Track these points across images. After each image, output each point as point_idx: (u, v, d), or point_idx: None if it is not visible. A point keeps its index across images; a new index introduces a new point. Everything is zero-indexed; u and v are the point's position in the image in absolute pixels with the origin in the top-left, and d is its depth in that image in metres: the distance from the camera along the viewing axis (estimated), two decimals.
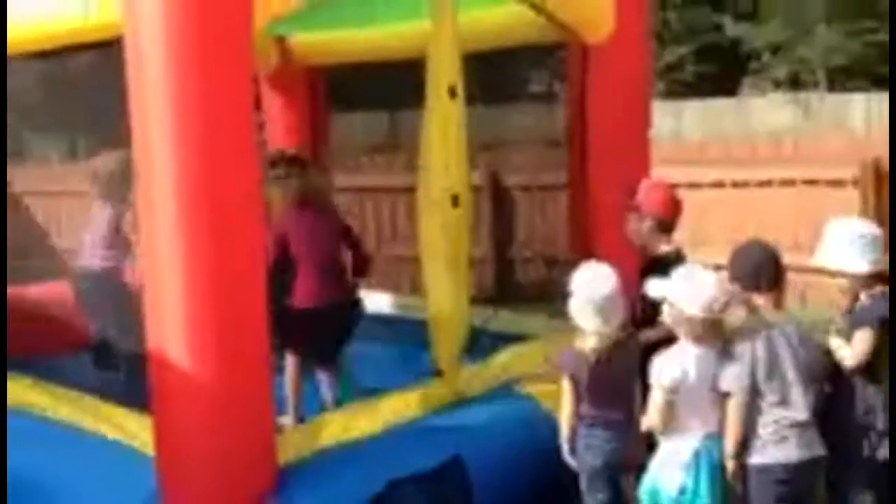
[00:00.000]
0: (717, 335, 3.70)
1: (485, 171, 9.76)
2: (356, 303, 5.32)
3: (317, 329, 5.04)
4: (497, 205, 9.84)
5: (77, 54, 8.24)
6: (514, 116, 12.65)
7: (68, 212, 11.41)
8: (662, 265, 4.19)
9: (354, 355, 5.42)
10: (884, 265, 3.91)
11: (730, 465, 3.69)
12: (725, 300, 3.69)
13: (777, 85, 16.35)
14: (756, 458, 3.68)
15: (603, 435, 3.95)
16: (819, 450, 3.71)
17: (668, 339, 3.87)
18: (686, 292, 3.68)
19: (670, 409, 3.68)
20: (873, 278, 3.89)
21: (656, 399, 3.69)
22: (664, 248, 4.60)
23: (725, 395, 3.67)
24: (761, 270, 3.83)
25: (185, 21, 3.54)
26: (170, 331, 3.69)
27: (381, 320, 6.16)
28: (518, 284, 9.62)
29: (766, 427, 3.68)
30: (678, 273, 3.80)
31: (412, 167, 6.57)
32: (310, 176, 5.31)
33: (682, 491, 3.65)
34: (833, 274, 4.01)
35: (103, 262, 5.40)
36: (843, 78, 15.81)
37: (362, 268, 5.41)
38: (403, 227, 9.96)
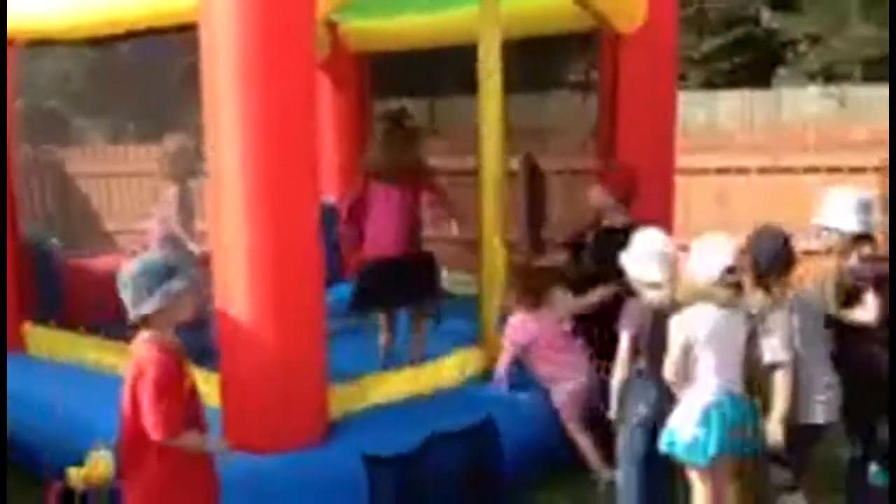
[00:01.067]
0: (734, 298, 3.99)
1: (521, 157, 9.99)
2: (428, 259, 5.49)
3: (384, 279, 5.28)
4: (532, 189, 10.08)
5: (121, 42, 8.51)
6: (550, 104, 12.87)
7: (115, 192, 11.88)
8: (622, 234, 4.58)
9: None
10: (871, 227, 4.29)
11: (779, 428, 3.99)
12: (734, 265, 3.98)
13: (811, 76, 16.41)
14: (807, 419, 4.10)
15: (655, 387, 4.16)
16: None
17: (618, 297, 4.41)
18: (702, 261, 4.01)
19: (685, 364, 3.98)
20: (864, 238, 4.27)
21: (672, 354, 3.99)
22: (623, 219, 5.18)
23: (772, 367, 4.02)
24: (778, 255, 4.14)
25: (255, 13, 3.92)
26: (234, 293, 4.11)
27: None
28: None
29: (817, 391, 4.09)
30: (694, 244, 4.10)
31: (453, 152, 6.97)
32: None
33: (694, 442, 3.93)
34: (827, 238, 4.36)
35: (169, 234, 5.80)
36: (878, 69, 15.85)
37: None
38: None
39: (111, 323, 5.58)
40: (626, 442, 4.26)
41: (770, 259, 4.14)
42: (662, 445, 4.05)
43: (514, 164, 9.01)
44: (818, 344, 4.18)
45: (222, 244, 4.14)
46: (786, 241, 4.19)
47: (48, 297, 5.82)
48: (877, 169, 8.23)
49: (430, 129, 13.25)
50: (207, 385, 4.44)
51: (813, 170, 8.55)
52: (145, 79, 11.15)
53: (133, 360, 3.42)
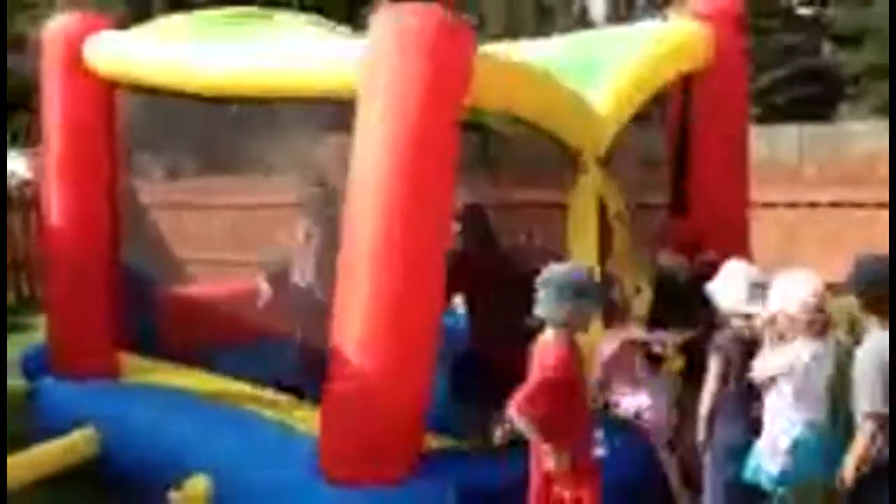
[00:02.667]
0: (818, 331, 4.08)
1: None
2: None
3: None
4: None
5: None
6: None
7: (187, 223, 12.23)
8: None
9: None
10: None
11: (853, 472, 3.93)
12: (819, 301, 4.07)
13: (874, 111, 16.36)
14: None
15: (743, 417, 4.27)
16: None
17: None
18: (785, 294, 4.11)
19: (774, 395, 4.08)
20: None
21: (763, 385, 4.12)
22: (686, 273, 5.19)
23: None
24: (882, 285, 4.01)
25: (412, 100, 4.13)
26: (350, 339, 4.24)
27: None
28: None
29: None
30: (777, 280, 4.21)
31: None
32: None
33: (783, 474, 4.05)
34: None
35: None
36: None
37: None
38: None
39: (202, 352, 5.91)
40: (714, 469, 4.35)
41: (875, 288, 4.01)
42: (748, 473, 4.16)
43: None
44: None
45: (348, 279, 4.27)
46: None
47: (145, 325, 6.06)
48: None
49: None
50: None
51: (883, 205, 8.58)
52: (200, 116, 11.51)
53: (538, 350, 3.92)
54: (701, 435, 4.37)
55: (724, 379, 4.30)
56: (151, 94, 5.63)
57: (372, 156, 4.18)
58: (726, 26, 5.66)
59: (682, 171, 5.84)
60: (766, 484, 4.11)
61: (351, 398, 4.24)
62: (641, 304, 5.19)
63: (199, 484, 4.62)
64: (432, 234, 4.28)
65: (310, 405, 4.77)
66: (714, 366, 4.32)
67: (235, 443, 4.82)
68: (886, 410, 3.84)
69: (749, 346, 4.27)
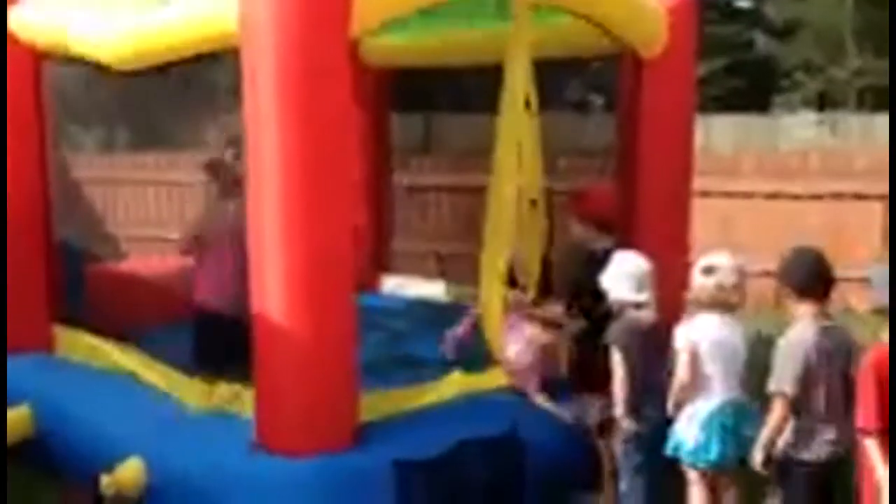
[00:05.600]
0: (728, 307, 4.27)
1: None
2: None
3: None
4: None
5: None
6: (546, 124, 13.03)
7: (119, 199, 12.02)
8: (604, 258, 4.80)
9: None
10: None
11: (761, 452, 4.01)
12: (735, 280, 4.26)
13: (806, 103, 16.69)
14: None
15: (649, 402, 4.44)
16: None
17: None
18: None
19: (691, 373, 4.21)
20: None
21: (678, 363, 4.24)
22: (603, 244, 5.28)
23: None
24: (820, 279, 4.04)
25: (293, 30, 4.08)
26: (271, 300, 4.24)
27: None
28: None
29: None
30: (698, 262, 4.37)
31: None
32: None
33: (696, 446, 4.20)
34: None
35: None
36: (871, 98, 16.18)
37: None
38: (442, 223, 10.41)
39: (133, 328, 5.80)
40: (623, 457, 4.52)
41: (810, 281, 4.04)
42: (668, 450, 4.31)
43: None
44: None
45: (260, 253, 4.26)
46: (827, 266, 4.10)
47: (76, 300, 5.93)
48: (882, 197, 8.45)
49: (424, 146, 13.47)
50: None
51: (817, 197, 8.77)
52: (138, 88, 11.32)
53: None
54: (626, 423, 4.48)
55: (631, 373, 4.44)
56: (70, 63, 5.52)
57: (264, 98, 4.14)
58: (679, 12, 5.68)
59: (632, 156, 5.84)
60: (684, 458, 4.28)
61: (279, 372, 4.28)
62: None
63: (131, 467, 4.52)
64: (337, 182, 4.23)
65: (238, 381, 4.71)
66: (615, 356, 4.44)
67: (168, 423, 4.78)
68: (789, 390, 3.87)
69: (645, 336, 4.45)
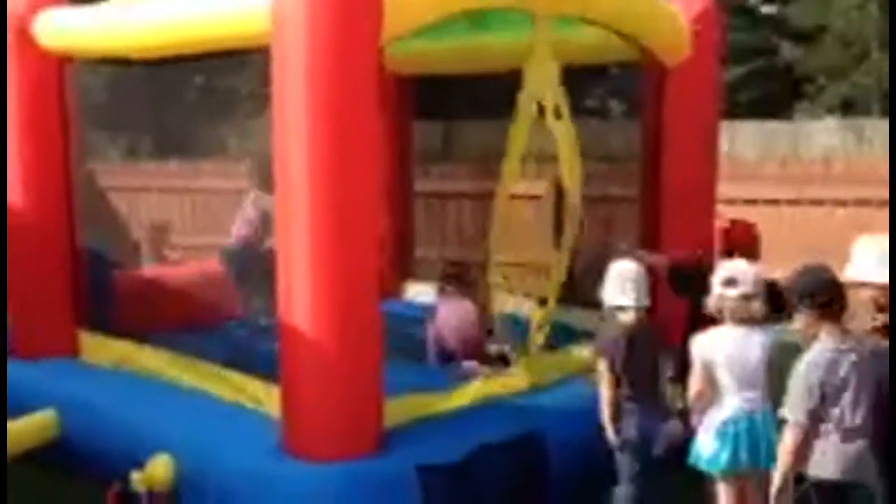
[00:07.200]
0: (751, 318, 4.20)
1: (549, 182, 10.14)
2: None
3: None
4: (561, 213, 10.19)
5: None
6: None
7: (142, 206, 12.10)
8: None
9: None
10: None
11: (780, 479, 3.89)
12: (756, 290, 4.20)
13: (830, 110, 16.57)
14: None
15: (637, 409, 4.52)
16: None
17: None
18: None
19: (708, 381, 4.21)
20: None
21: (695, 371, 4.24)
22: None
23: None
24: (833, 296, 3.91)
25: (324, 35, 4.11)
26: (297, 306, 4.27)
27: None
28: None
29: None
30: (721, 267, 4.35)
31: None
32: None
33: (712, 456, 4.19)
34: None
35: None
36: None
37: None
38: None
39: (158, 332, 5.84)
40: (620, 464, 4.58)
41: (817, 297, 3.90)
42: (690, 458, 4.31)
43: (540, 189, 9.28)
44: None
45: (287, 257, 4.30)
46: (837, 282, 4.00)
47: (104, 306, 5.98)
48: None
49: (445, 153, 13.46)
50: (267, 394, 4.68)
51: (841, 203, 8.72)
52: (161, 96, 11.38)
53: None
54: (610, 434, 4.56)
55: (616, 382, 4.51)
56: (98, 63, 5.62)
57: (292, 100, 4.19)
58: (703, 20, 5.70)
59: (656, 162, 5.85)
60: (703, 467, 4.29)
61: (305, 380, 4.32)
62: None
63: (161, 463, 4.55)
64: (363, 183, 4.27)
65: (267, 384, 4.74)
66: (600, 362, 4.54)
67: (198, 423, 4.81)
68: (803, 419, 3.76)
69: (632, 341, 4.52)
